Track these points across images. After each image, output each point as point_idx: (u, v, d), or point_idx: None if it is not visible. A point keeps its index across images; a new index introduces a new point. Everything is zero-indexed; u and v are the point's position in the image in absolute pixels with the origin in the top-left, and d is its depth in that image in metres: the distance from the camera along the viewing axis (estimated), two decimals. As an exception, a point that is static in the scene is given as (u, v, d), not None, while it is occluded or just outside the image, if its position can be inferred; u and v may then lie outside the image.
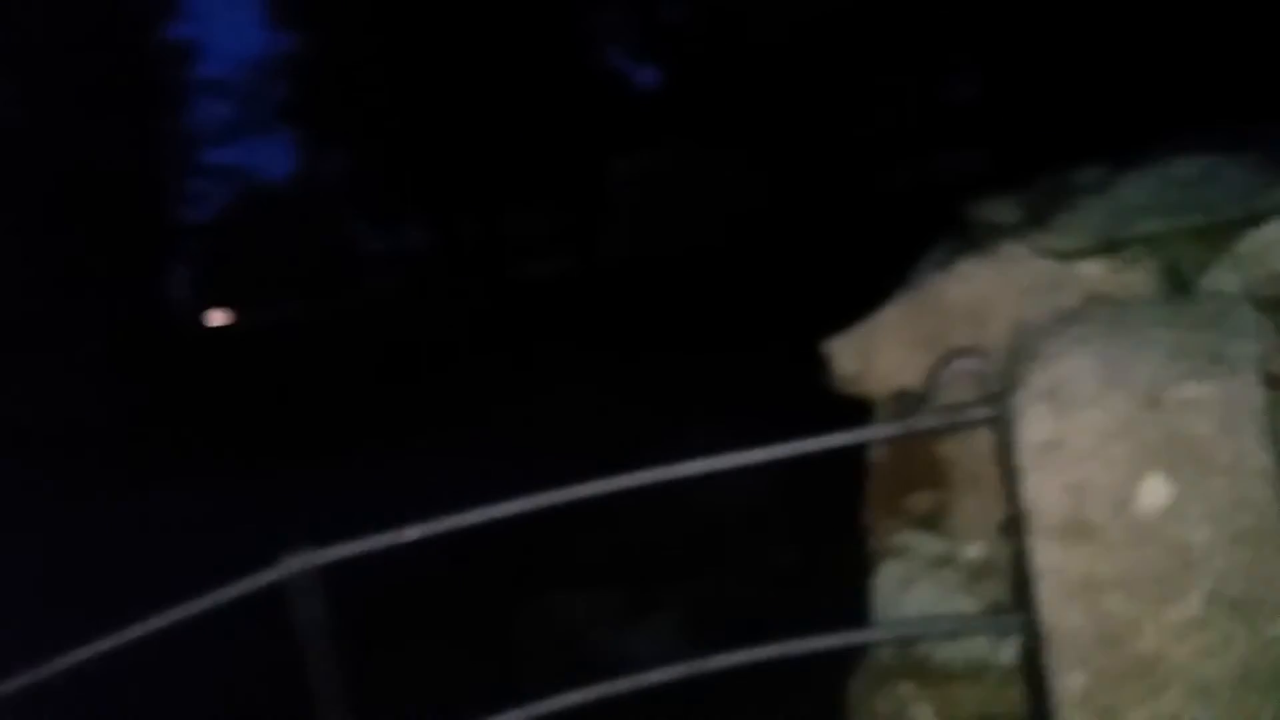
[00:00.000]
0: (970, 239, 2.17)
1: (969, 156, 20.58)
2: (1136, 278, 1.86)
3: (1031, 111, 19.09)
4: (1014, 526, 1.74)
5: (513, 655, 6.79)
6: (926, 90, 23.84)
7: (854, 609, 2.11)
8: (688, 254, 19.84)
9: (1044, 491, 1.63)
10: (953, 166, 20.41)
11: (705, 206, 22.81)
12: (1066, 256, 1.93)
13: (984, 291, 1.97)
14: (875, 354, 2.08)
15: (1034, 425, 1.65)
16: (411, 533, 1.92)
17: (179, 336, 26.52)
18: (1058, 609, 1.62)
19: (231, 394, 19.01)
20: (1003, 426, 1.73)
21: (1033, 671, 1.75)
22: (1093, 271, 1.90)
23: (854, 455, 2.04)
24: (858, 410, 2.13)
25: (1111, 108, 16.22)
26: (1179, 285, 1.85)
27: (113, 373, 20.87)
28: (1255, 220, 1.85)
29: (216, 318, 30.47)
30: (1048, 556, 1.63)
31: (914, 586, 1.98)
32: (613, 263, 22.91)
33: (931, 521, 1.98)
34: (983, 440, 1.87)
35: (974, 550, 1.95)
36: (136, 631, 2.02)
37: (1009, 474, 1.73)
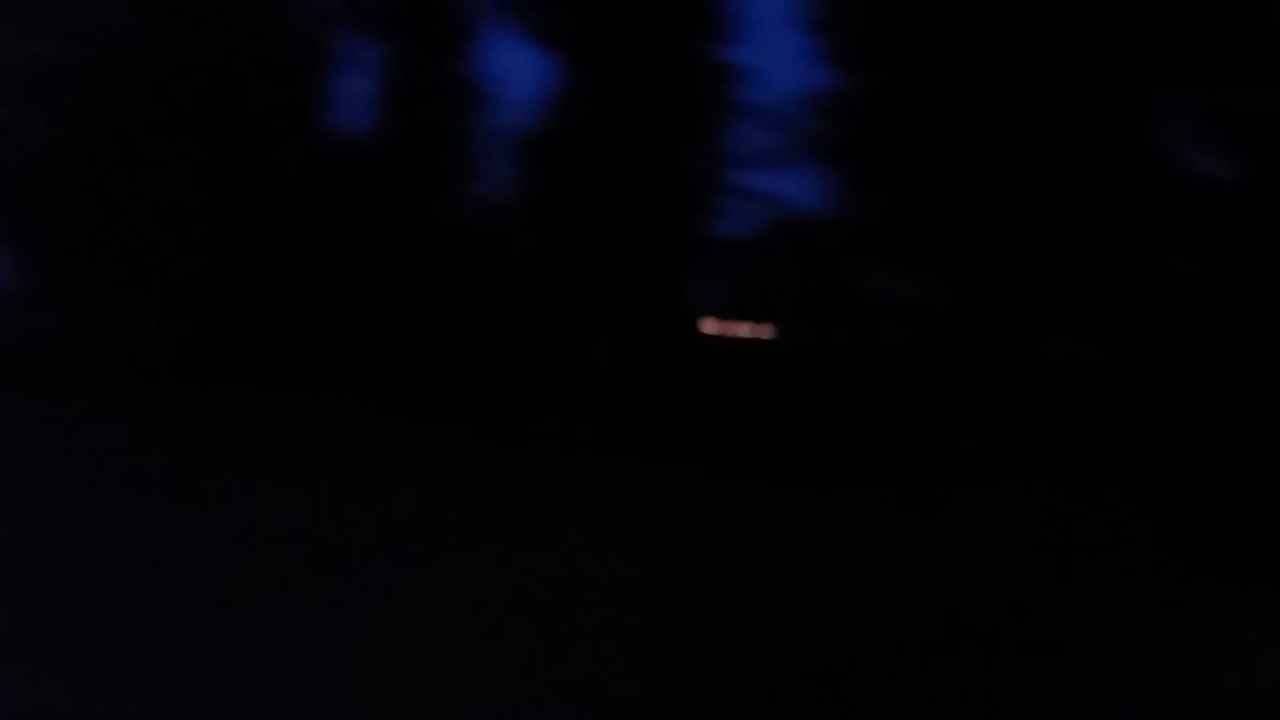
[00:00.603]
0: None
1: None
2: None
3: None
4: None
5: None
6: None
7: None
8: (1234, 360, 16.67)
9: None
10: None
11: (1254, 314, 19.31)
12: None
13: None
14: None
15: None
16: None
17: (685, 338, 27.55)
18: None
19: (696, 403, 18.94)
20: None
21: None
22: None
23: None
24: None
25: None
26: None
27: (626, 358, 22.05)
28: None
29: (724, 329, 31.28)
30: None
31: None
32: (1144, 359, 20.06)
33: None
34: None
35: None
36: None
37: None
